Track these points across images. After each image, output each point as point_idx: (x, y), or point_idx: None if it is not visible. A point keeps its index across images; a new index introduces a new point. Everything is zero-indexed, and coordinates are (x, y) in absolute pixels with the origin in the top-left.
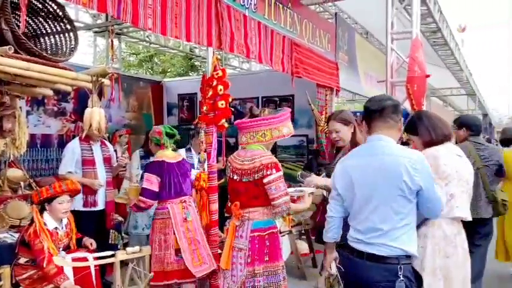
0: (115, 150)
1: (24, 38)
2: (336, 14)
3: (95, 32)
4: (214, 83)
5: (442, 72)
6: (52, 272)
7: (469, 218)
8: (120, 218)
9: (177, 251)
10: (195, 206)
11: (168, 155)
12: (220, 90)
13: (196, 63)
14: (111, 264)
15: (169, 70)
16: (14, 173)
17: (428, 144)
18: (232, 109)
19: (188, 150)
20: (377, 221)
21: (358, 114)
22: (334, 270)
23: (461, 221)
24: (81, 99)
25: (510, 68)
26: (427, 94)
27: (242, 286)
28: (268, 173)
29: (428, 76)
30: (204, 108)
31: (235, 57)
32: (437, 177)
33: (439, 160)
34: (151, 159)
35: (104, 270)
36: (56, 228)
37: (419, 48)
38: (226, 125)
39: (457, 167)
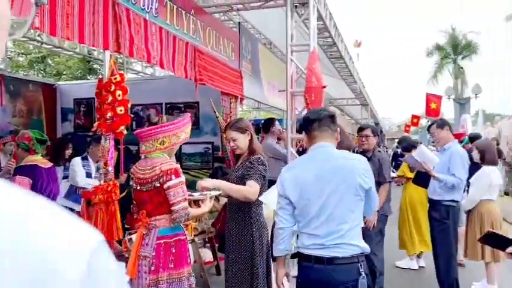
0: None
1: None
2: (239, 23)
3: None
4: (113, 88)
5: (339, 83)
6: None
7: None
8: None
9: None
10: None
11: (39, 160)
12: (119, 95)
13: (94, 66)
14: None
15: (64, 73)
16: None
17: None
18: (132, 116)
19: (85, 158)
20: (337, 222)
21: (262, 121)
22: (287, 286)
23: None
24: None
25: (397, 80)
26: (326, 104)
27: None
28: (168, 179)
29: (324, 87)
30: (108, 114)
31: (137, 61)
32: None
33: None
34: (22, 163)
35: None
36: None
37: (316, 60)
38: (125, 132)
39: None
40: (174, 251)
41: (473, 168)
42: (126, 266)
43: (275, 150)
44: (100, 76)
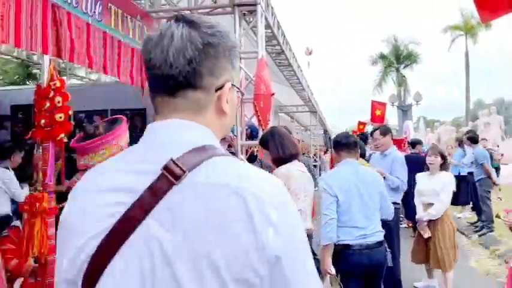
0: None
1: None
2: None
3: None
4: (52, 94)
5: (288, 90)
6: None
7: (312, 227)
8: None
9: None
10: None
11: None
12: (59, 102)
13: (34, 71)
14: None
15: (0, 78)
16: None
17: (276, 160)
18: (73, 123)
19: (8, 168)
20: (370, 216)
21: None
22: (333, 270)
23: None
24: None
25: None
26: (276, 110)
27: None
28: None
29: (273, 94)
30: (42, 121)
31: (80, 67)
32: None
33: (290, 180)
34: None
35: None
36: None
37: (264, 68)
38: (65, 139)
39: (303, 183)
40: None
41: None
42: None
43: None
44: (37, 82)
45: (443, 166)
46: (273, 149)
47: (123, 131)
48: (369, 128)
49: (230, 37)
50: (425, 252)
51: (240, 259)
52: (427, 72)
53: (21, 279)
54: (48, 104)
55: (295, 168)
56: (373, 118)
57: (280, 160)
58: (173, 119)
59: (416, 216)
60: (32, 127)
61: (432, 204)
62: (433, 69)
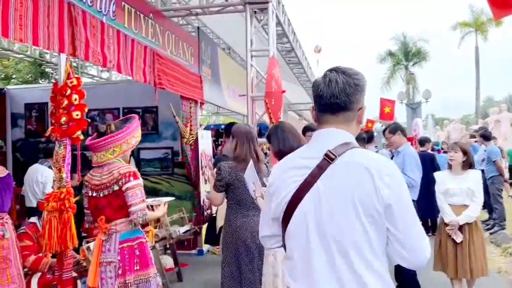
0: None
1: None
2: (198, 28)
3: None
4: (68, 92)
5: (297, 88)
6: None
7: None
8: None
9: None
10: (11, 223)
11: None
12: (75, 100)
13: (47, 69)
14: None
15: (13, 76)
16: None
17: (277, 154)
18: (89, 120)
19: (50, 168)
20: None
21: (222, 126)
22: None
23: None
24: None
25: None
26: (285, 108)
27: None
28: (126, 180)
29: (284, 92)
30: (63, 119)
31: (92, 65)
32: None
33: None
34: None
35: None
36: None
37: (275, 66)
38: (81, 137)
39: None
40: (138, 253)
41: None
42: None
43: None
44: (53, 80)
45: (466, 163)
46: (275, 142)
47: (133, 129)
48: (377, 126)
49: (365, 78)
50: (453, 260)
51: (367, 202)
52: (436, 69)
53: (39, 274)
54: (65, 102)
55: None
56: (382, 116)
57: (280, 153)
58: (331, 128)
59: (448, 220)
60: (45, 125)
61: (466, 205)
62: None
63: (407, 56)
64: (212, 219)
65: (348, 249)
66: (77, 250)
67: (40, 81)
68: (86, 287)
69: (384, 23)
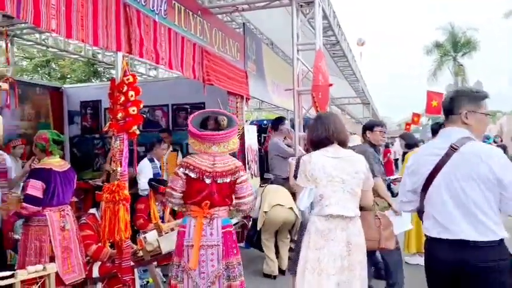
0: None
1: None
2: (244, 24)
3: None
4: (125, 88)
5: (340, 82)
6: None
7: (347, 214)
8: (17, 236)
9: (51, 259)
10: (72, 215)
11: (55, 163)
12: (132, 96)
13: (99, 69)
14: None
15: (69, 76)
16: None
17: (309, 143)
18: (144, 116)
19: (151, 160)
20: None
21: (265, 122)
22: None
23: None
24: None
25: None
26: (329, 102)
27: (216, 280)
28: (241, 174)
29: (331, 85)
30: (120, 115)
31: (141, 64)
32: (307, 180)
33: (306, 165)
34: (38, 165)
35: None
36: None
37: (322, 59)
38: (137, 132)
39: (325, 168)
40: (234, 238)
41: None
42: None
43: (280, 149)
44: (105, 79)
45: None
46: (308, 132)
47: (235, 133)
48: (423, 120)
49: (463, 89)
50: None
51: (483, 176)
52: (486, 60)
53: (99, 263)
54: (122, 98)
55: (323, 154)
56: (429, 109)
57: (311, 143)
58: (453, 127)
59: None
60: (98, 121)
61: None
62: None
63: (456, 46)
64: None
65: (471, 206)
66: (134, 241)
67: (93, 80)
68: (141, 273)
69: (427, 13)
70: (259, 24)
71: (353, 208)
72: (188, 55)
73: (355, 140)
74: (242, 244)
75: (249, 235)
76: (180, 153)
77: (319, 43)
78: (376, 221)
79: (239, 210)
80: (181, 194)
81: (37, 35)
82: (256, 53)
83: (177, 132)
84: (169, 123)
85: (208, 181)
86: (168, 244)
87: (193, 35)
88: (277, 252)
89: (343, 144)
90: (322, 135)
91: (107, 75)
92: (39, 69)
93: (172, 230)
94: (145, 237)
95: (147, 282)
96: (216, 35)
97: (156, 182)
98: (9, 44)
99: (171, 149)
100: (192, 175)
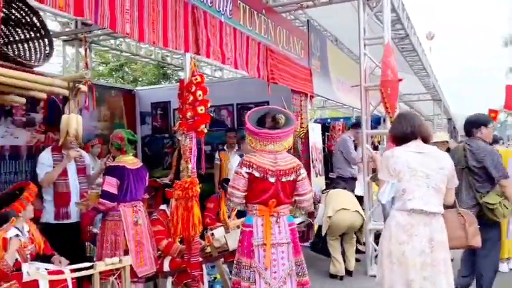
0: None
1: None
2: (308, 21)
3: (64, 40)
4: (193, 88)
5: (409, 78)
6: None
7: (430, 209)
8: (96, 230)
9: (125, 252)
10: (144, 210)
11: (128, 161)
12: (199, 95)
13: (168, 71)
14: (89, 279)
15: (140, 79)
16: None
17: (392, 139)
18: (212, 115)
19: (241, 156)
20: None
21: (329, 120)
22: None
23: None
24: (51, 109)
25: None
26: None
27: (287, 278)
28: (302, 171)
29: (400, 80)
30: (189, 114)
31: (207, 65)
32: (389, 175)
33: (389, 160)
34: (112, 163)
35: (80, 285)
36: (17, 235)
37: (391, 53)
38: (205, 130)
39: (409, 163)
40: (298, 235)
41: None
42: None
43: (346, 148)
44: (173, 81)
45: None
46: (391, 129)
47: (292, 131)
48: (500, 116)
49: None
50: None
51: None
52: None
53: (170, 257)
54: (191, 98)
55: (405, 150)
56: (509, 105)
57: (395, 138)
58: None
59: None
60: (168, 121)
61: None
62: None
63: None
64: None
65: None
66: (201, 237)
67: (162, 82)
68: (209, 269)
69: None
70: (322, 22)
71: (436, 204)
72: (253, 54)
73: (441, 137)
74: (307, 244)
75: (314, 242)
76: None
77: (388, 37)
78: (460, 218)
79: (300, 208)
80: (244, 194)
81: (112, 41)
82: (321, 50)
83: (242, 131)
84: (234, 123)
85: (272, 180)
86: (235, 241)
87: (257, 34)
88: (343, 254)
89: (426, 140)
90: (407, 130)
91: (176, 77)
92: (113, 73)
93: (238, 227)
94: (213, 234)
95: (215, 278)
96: (281, 33)
97: (227, 183)
98: (87, 50)
99: (236, 147)
100: (256, 174)
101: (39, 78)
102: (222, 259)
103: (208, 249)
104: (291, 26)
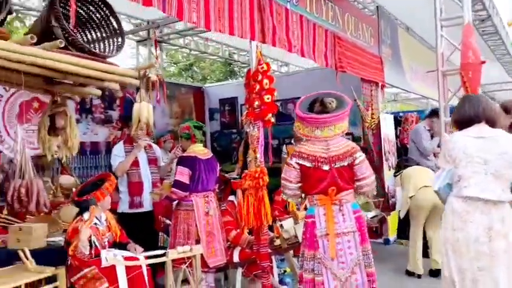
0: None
1: (73, 34)
2: (377, 7)
3: (137, 41)
4: (260, 77)
5: (490, 65)
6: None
7: (487, 197)
8: (169, 222)
9: (197, 242)
10: (215, 201)
11: (199, 151)
12: (266, 84)
13: (235, 68)
14: (162, 266)
15: (208, 77)
16: (67, 180)
17: (453, 123)
18: (279, 106)
19: None
20: None
21: (401, 114)
22: None
23: None
24: (126, 107)
25: None
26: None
27: (356, 269)
28: (358, 155)
29: (483, 62)
30: (256, 103)
31: (273, 61)
32: (445, 161)
33: (447, 145)
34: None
35: (155, 272)
36: (95, 224)
37: (472, 34)
38: (272, 120)
39: (466, 149)
40: (364, 223)
41: None
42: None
43: (418, 137)
44: (240, 78)
45: None
46: (453, 113)
47: (345, 115)
48: None
49: None
50: None
51: None
52: None
53: (239, 248)
54: (257, 87)
55: (464, 134)
56: None
57: (455, 122)
58: None
59: None
60: (235, 117)
61: None
62: None
63: None
64: None
65: None
66: (271, 229)
67: (229, 79)
68: (279, 262)
69: None
70: (392, 10)
71: (496, 191)
72: (320, 42)
73: None
74: (381, 240)
75: (400, 230)
76: None
77: (468, 17)
78: None
79: (360, 193)
80: (297, 185)
81: (181, 40)
82: (392, 37)
83: None
84: None
85: (326, 167)
86: None
87: (324, 21)
88: (426, 248)
89: (492, 123)
90: (469, 113)
91: (242, 74)
92: (183, 72)
93: None
94: (282, 225)
95: (284, 271)
96: (349, 20)
97: None
98: (156, 42)
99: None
100: (307, 164)
101: (113, 68)
102: (292, 252)
103: (278, 242)
104: (360, 13)
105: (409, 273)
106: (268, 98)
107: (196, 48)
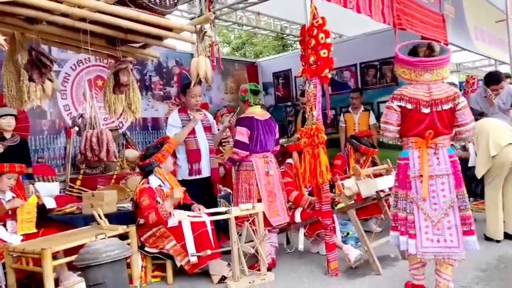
0: (218, 130)
1: None
2: None
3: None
4: (315, 31)
5: None
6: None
7: None
8: (228, 190)
9: (259, 201)
10: (275, 162)
11: (257, 112)
12: (322, 38)
13: (288, 42)
14: (225, 231)
15: (261, 54)
16: (131, 153)
17: None
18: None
19: None
20: None
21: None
22: None
23: None
24: (183, 82)
25: None
26: None
27: (449, 211)
28: (461, 100)
29: None
30: (312, 59)
31: None
32: None
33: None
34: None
35: (218, 235)
36: (160, 185)
37: None
38: (329, 75)
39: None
40: (459, 168)
41: None
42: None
43: (473, 103)
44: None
45: None
46: None
47: (449, 59)
48: None
49: None
50: None
51: None
52: None
53: (301, 209)
54: (313, 42)
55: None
56: None
57: None
58: None
59: None
60: (289, 90)
61: None
62: None
63: None
64: None
65: None
66: (331, 187)
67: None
68: (341, 226)
69: None
70: None
71: None
72: None
73: None
74: None
75: (472, 189)
76: (372, 112)
77: None
78: None
79: (460, 139)
80: (398, 128)
81: (233, 15)
82: None
83: (367, 92)
84: (358, 83)
85: (426, 110)
86: (367, 189)
87: None
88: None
89: None
90: None
91: (295, 47)
92: (236, 52)
93: (369, 177)
94: (343, 183)
95: (347, 234)
96: None
97: (356, 140)
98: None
99: (362, 108)
100: (409, 106)
101: (171, 22)
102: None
103: (337, 199)
104: None
105: (488, 239)
106: (324, 53)
107: (248, 23)
